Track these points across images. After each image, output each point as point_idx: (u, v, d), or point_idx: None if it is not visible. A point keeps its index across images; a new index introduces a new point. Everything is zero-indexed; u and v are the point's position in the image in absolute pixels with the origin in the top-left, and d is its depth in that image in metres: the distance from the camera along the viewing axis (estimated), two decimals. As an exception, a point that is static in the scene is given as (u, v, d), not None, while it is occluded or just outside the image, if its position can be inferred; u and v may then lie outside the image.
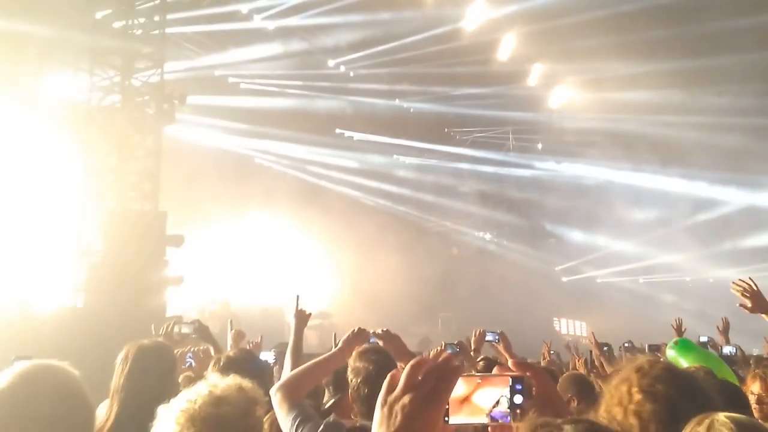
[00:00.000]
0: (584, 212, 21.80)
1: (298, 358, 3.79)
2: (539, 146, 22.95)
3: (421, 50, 16.66)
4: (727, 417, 1.41)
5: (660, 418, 1.61)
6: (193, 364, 4.36)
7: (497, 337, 4.82)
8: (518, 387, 1.20)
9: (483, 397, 1.18)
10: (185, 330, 4.57)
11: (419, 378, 1.00)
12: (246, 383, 1.83)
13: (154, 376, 2.79)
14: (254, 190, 18.01)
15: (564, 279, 24.59)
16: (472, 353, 4.85)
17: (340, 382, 3.52)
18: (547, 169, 22.38)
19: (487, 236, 25.31)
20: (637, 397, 1.66)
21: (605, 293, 22.48)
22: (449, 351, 4.34)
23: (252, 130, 18.66)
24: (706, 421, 1.42)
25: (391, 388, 1.01)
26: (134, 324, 9.61)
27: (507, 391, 1.20)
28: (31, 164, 11.86)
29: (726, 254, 19.13)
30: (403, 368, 1.03)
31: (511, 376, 1.22)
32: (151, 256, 11.53)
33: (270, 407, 2.87)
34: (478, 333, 4.88)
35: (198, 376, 4.24)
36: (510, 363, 1.26)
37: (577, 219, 22.46)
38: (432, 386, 0.99)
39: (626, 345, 6.90)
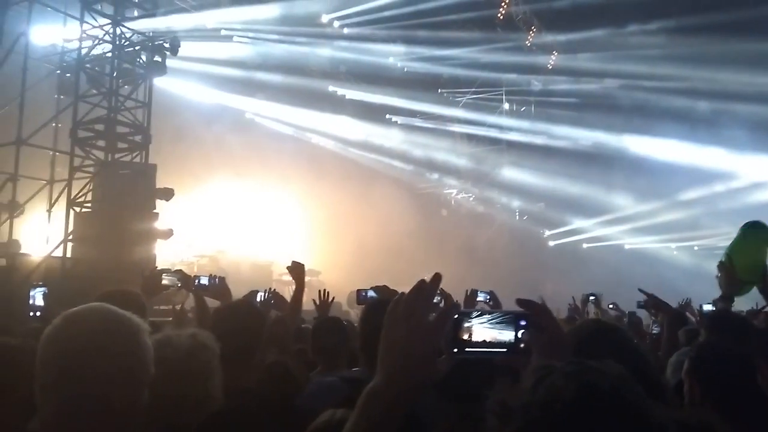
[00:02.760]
0: (577, 177, 21.81)
1: (298, 310, 3.92)
2: (532, 109, 22.83)
3: (415, 6, 16.44)
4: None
5: None
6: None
7: (488, 297, 4.84)
8: (522, 323, 1.23)
9: (488, 332, 1.21)
10: (167, 280, 4.56)
11: (401, 311, 1.06)
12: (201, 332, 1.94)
13: None
14: (244, 146, 17.90)
15: (551, 243, 24.80)
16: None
17: (321, 338, 3.62)
18: (539, 132, 22.29)
19: (477, 198, 25.35)
20: None
21: (591, 258, 22.71)
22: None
23: (243, 86, 18.50)
24: None
25: (388, 325, 1.07)
26: (122, 274, 9.68)
27: (512, 327, 1.23)
28: (22, 113, 11.77)
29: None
30: None
31: (516, 313, 1.25)
32: (141, 208, 11.56)
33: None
34: (469, 292, 4.78)
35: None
36: (516, 300, 1.29)
37: (568, 184, 22.48)
38: (412, 314, 1.05)
39: (592, 299, 6.98)
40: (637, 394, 0.86)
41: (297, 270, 4.07)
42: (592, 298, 6.66)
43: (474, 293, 4.79)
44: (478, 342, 1.20)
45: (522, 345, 1.21)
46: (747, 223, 4.27)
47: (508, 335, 1.22)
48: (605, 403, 0.83)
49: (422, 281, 1.12)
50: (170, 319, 8.73)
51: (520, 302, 1.28)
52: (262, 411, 2.21)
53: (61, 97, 13.38)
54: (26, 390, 1.95)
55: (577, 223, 23.20)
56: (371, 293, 4.31)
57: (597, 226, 22.83)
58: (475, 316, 1.21)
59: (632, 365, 1.96)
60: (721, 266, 3.95)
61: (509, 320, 1.23)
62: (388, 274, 16.98)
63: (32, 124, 12.22)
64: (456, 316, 1.19)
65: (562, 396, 0.84)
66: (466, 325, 1.20)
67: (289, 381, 3.06)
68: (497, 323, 1.22)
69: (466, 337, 1.19)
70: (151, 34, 12.63)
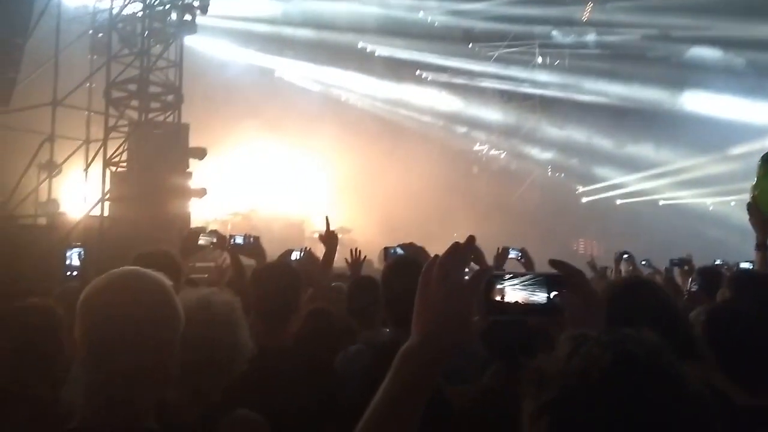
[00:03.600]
0: (611, 132, 21.39)
1: (328, 274, 3.98)
2: (566, 63, 22.30)
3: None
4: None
5: None
6: None
7: (520, 254, 4.80)
8: (555, 285, 1.23)
9: (521, 294, 1.21)
10: (204, 240, 4.61)
11: (435, 272, 1.07)
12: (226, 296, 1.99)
13: None
14: (274, 104, 17.89)
15: (584, 200, 24.53)
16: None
17: (356, 298, 3.67)
18: (573, 86, 21.79)
19: (508, 155, 25.07)
20: None
21: (624, 215, 22.42)
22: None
23: (272, 44, 18.41)
24: None
25: (422, 287, 1.08)
26: (158, 233, 9.88)
27: (544, 289, 1.22)
28: (56, 74, 11.91)
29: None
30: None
31: (548, 275, 1.25)
32: (174, 167, 11.69)
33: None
34: (500, 250, 4.69)
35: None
36: (549, 261, 1.29)
37: (602, 139, 22.06)
38: (446, 275, 1.06)
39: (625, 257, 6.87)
40: (674, 362, 0.87)
41: (331, 239, 4.09)
42: (625, 255, 6.57)
43: (505, 251, 4.72)
44: (510, 304, 1.21)
45: (555, 307, 1.21)
46: (765, 153, 3.86)
47: (540, 297, 1.22)
48: (641, 372, 0.84)
49: (456, 243, 1.12)
50: (206, 276, 8.93)
51: (553, 263, 1.28)
52: (295, 372, 2.27)
53: (94, 57, 13.48)
54: (57, 350, 2.02)
55: (611, 179, 22.86)
56: (399, 250, 4.32)
57: (631, 181, 22.44)
58: (508, 278, 1.22)
59: (666, 321, 1.94)
60: (749, 208, 3.61)
61: (542, 282, 1.23)
62: (419, 232, 17.09)
63: (67, 84, 12.37)
64: (489, 277, 1.19)
65: (598, 365, 0.85)
66: (499, 286, 1.21)
67: (330, 334, 3.12)
68: (530, 285, 1.22)
69: (498, 298, 1.20)
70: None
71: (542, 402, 0.86)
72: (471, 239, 1.16)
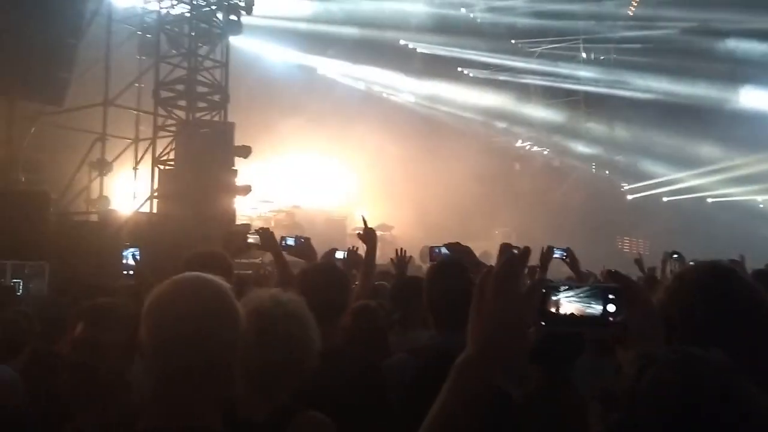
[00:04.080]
0: (657, 128, 20.92)
1: (371, 273, 4.02)
2: (612, 58, 21.89)
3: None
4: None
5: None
6: None
7: (565, 254, 4.74)
8: (611, 297, 1.21)
9: (575, 306, 1.20)
10: (253, 239, 4.67)
11: (492, 284, 1.09)
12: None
13: None
14: (316, 102, 18.04)
15: (629, 197, 24.08)
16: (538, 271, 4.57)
17: (401, 298, 3.70)
18: (617, 83, 21.37)
19: (551, 152, 24.76)
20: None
21: (670, 213, 21.94)
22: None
23: (314, 42, 18.57)
24: None
25: (478, 298, 1.10)
26: (205, 229, 10.09)
27: (600, 301, 1.21)
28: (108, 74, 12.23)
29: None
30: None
31: (604, 286, 1.23)
32: (220, 165, 11.91)
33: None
34: (545, 249, 4.59)
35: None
36: (601, 272, 1.29)
37: (648, 135, 21.60)
38: (503, 287, 1.07)
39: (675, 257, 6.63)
40: (743, 383, 0.87)
41: (370, 236, 4.13)
42: (675, 255, 6.35)
43: (550, 250, 4.64)
44: (565, 315, 1.22)
45: (610, 320, 1.21)
46: None
47: (596, 309, 1.21)
48: (712, 397, 0.85)
49: (513, 254, 1.14)
50: (249, 272, 9.08)
51: (611, 275, 1.28)
52: (348, 375, 2.32)
53: (143, 58, 13.81)
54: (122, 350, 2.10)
55: (657, 176, 22.38)
56: (444, 250, 4.31)
57: (678, 179, 21.93)
58: (563, 290, 1.23)
59: (752, 311, 1.75)
60: None
61: (597, 294, 1.22)
62: (461, 229, 17.09)
63: (117, 85, 12.70)
64: (544, 288, 1.21)
65: (668, 390, 0.86)
66: (554, 298, 1.20)
67: (377, 332, 3.16)
68: (585, 297, 1.21)
69: (553, 310, 1.21)
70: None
71: (611, 424, 0.88)
72: (526, 251, 1.18)
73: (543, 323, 1.18)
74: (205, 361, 1.49)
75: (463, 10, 19.77)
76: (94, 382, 1.94)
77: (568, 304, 1.21)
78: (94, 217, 12.03)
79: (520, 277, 1.10)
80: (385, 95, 21.57)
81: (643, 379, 0.88)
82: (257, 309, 1.93)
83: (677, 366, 0.89)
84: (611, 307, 1.20)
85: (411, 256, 4.89)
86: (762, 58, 17.19)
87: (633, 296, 1.25)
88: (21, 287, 7.47)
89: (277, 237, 4.50)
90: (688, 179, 21.62)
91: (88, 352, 1.99)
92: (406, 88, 21.57)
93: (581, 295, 1.22)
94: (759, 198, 21.74)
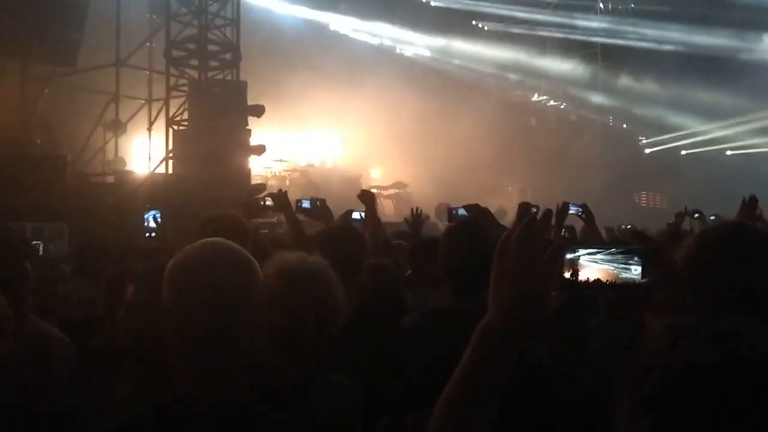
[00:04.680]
0: (676, 80, 20.50)
1: (376, 230, 4.03)
2: (630, 8, 21.34)
3: None
4: None
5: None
6: None
7: (581, 210, 4.64)
8: (636, 259, 1.19)
9: (598, 268, 1.19)
10: (268, 201, 4.67)
11: (513, 247, 1.05)
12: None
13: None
14: (329, 59, 17.84)
15: (647, 151, 23.77)
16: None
17: (417, 259, 3.69)
18: (635, 33, 20.86)
19: (568, 106, 24.38)
20: None
21: (689, 166, 21.66)
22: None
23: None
24: None
25: (499, 262, 1.07)
26: (220, 189, 10.12)
27: (631, 265, 1.19)
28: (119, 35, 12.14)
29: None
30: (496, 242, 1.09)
31: (631, 249, 1.21)
32: (234, 125, 11.88)
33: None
34: (560, 206, 4.48)
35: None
36: (631, 233, 1.26)
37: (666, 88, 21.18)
38: (524, 251, 1.04)
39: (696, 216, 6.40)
40: None
41: (367, 197, 4.17)
42: (696, 215, 6.16)
43: (566, 206, 4.54)
44: (588, 279, 1.19)
45: (635, 283, 1.19)
46: None
47: (629, 272, 1.19)
48: (751, 370, 0.84)
49: (533, 217, 1.11)
50: (266, 231, 9.12)
51: (635, 236, 1.25)
52: (369, 337, 2.33)
53: (153, 16, 13.68)
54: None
55: (675, 129, 22.02)
56: (462, 212, 4.27)
57: (697, 132, 21.57)
58: (585, 253, 1.20)
59: None
60: None
61: (626, 256, 1.20)
62: (476, 186, 17.02)
63: (128, 45, 12.63)
64: (568, 253, 1.18)
65: (704, 362, 0.85)
66: (573, 257, 1.18)
67: (392, 291, 3.16)
68: (612, 259, 1.19)
69: (569, 274, 1.19)
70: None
71: (644, 397, 0.87)
72: (548, 213, 1.15)
73: (569, 286, 1.16)
74: (229, 326, 1.49)
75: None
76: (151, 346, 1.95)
77: (592, 265, 1.19)
78: (110, 179, 12.11)
79: (542, 238, 1.07)
80: (398, 51, 21.25)
81: (677, 352, 0.87)
82: (283, 269, 1.95)
83: (713, 338, 0.87)
84: (637, 270, 1.19)
85: (427, 216, 4.87)
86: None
87: (659, 259, 1.22)
88: (42, 249, 7.55)
89: (292, 197, 4.50)
90: (707, 132, 21.26)
91: (142, 315, 1.99)
92: (420, 43, 21.23)
93: (606, 256, 1.20)
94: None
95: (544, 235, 1.08)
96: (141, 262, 2.49)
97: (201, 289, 1.49)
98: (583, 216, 4.70)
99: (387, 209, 16.72)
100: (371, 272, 3.24)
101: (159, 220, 4.85)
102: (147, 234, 4.69)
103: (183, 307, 1.50)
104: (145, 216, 4.81)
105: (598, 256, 1.20)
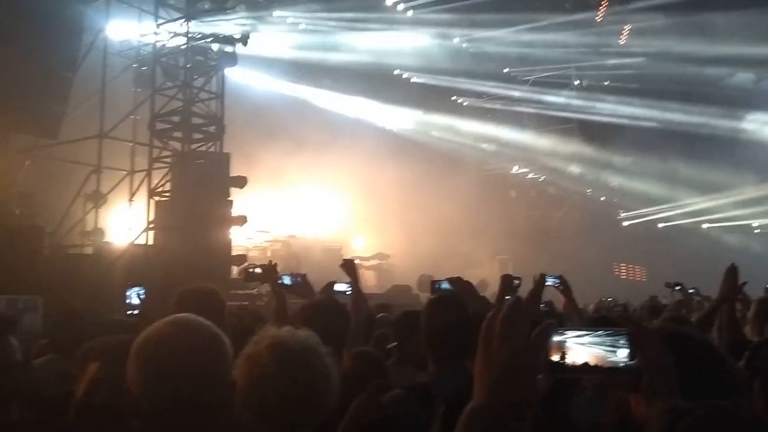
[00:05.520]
0: (651, 156, 21.04)
1: (359, 302, 4.01)
2: (605, 85, 22.04)
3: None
4: None
5: None
6: None
7: (558, 281, 4.63)
8: (623, 343, 1.17)
9: (586, 351, 1.16)
10: (258, 271, 4.68)
11: (499, 328, 1.04)
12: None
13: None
14: (313, 130, 18.11)
15: (624, 224, 24.12)
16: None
17: (403, 330, 3.64)
18: (611, 110, 21.53)
19: (547, 179, 24.82)
20: None
21: (667, 239, 21.98)
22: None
23: (310, 73, 18.71)
24: None
25: (485, 342, 1.05)
26: (200, 261, 10.05)
27: (619, 349, 1.16)
28: (103, 107, 12.25)
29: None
30: (478, 314, 1.08)
31: (619, 332, 1.18)
32: (216, 196, 11.90)
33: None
34: (537, 278, 4.36)
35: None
36: (618, 318, 1.24)
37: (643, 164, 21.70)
38: (511, 332, 1.03)
39: (677, 288, 6.42)
40: None
41: (348, 266, 4.20)
42: (677, 288, 6.22)
43: (542, 277, 4.43)
44: (575, 363, 1.15)
45: (621, 367, 1.16)
46: None
47: (616, 356, 1.17)
48: None
49: (519, 297, 1.10)
50: (246, 303, 8.99)
51: (621, 320, 1.24)
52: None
53: (138, 90, 13.87)
54: None
55: (653, 203, 22.45)
56: (445, 284, 4.26)
57: (673, 206, 22.01)
58: (572, 335, 1.18)
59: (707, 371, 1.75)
60: None
61: (613, 339, 1.18)
62: (457, 257, 17.08)
63: (112, 117, 12.71)
64: (554, 336, 1.15)
65: None
66: (559, 339, 1.14)
67: (379, 372, 3.10)
68: (597, 342, 1.16)
69: (557, 357, 1.16)
70: (221, 23, 12.92)
71: None
72: (535, 295, 1.14)
73: (556, 369, 1.13)
74: (192, 398, 1.47)
75: (456, 39, 19.96)
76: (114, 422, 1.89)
77: (579, 348, 1.16)
78: (88, 250, 11.97)
79: (527, 320, 1.06)
80: (380, 125, 21.65)
81: None
82: (275, 342, 1.87)
83: (710, 423, 0.85)
84: (624, 352, 1.16)
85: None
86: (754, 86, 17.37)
87: (646, 342, 1.21)
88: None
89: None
90: (685, 205, 21.71)
91: (106, 392, 1.94)
92: (402, 118, 21.68)
93: (594, 339, 1.17)
94: (755, 222, 21.82)
95: (529, 316, 1.07)
96: (116, 338, 2.44)
97: (166, 364, 1.48)
98: (561, 287, 4.69)
99: (369, 281, 16.64)
100: (355, 360, 3.20)
101: (143, 297, 4.80)
102: (129, 312, 4.60)
103: (146, 382, 1.49)
104: (127, 293, 4.73)
105: (586, 339, 1.17)
